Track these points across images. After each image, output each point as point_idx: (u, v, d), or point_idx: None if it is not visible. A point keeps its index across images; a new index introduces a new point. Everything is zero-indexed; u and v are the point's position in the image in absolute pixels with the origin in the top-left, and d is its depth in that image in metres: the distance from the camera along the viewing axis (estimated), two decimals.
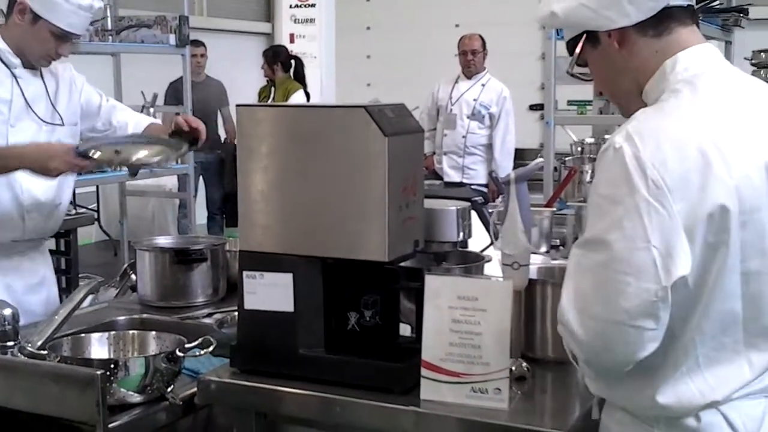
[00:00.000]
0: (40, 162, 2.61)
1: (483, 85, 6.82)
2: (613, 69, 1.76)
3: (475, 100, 6.72)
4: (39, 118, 2.83)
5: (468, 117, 6.71)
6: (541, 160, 4.30)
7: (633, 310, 1.50)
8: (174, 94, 7.25)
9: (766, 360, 1.62)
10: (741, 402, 1.60)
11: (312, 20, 10.44)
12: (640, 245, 1.50)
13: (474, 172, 6.74)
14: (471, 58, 6.80)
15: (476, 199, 2.48)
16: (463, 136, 6.74)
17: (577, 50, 1.77)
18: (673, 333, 1.55)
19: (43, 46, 2.76)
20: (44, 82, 2.87)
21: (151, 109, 6.05)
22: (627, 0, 1.67)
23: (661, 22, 1.69)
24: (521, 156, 7.28)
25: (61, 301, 2.98)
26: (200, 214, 7.60)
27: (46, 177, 2.67)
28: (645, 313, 1.51)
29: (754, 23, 5.77)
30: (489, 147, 6.77)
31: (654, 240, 1.50)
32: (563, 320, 1.60)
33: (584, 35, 1.75)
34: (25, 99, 2.80)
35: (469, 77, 6.87)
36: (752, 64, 6.11)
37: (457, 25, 9.18)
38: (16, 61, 2.78)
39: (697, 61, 1.68)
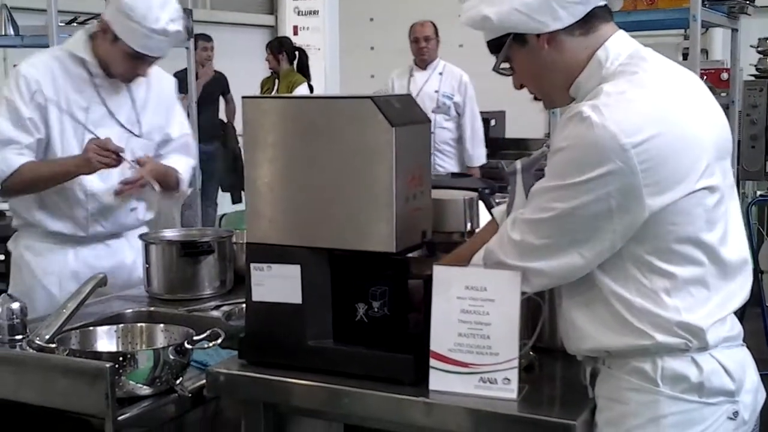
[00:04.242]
0: (79, 159, 2.81)
1: (440, 73, 6.53)
2: (542, 67, 1.85)
3: (436, 91, 6.44)
4: (121, 124, 2.97)
5: (433, 111, 6.35)
6: (546, 148, 4.28)
7: (586, 247, 1.72)
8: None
9: (727, 291, 1.79)
10: (727, 350, 1.78)
11: (315, 12, 10.42)
12: (602, 197, 1.67)
13: (443, 171, 6.54)
14: (424, 46, 6.48)
15: (484, 188, 2.47)
16: (432, 133, 6.48)
17: (504, 50, 1.85)
18: (651, 264, 1.72)
19: (121, 65, 2.87)
20: (130, 92, 3.00)
21: None
22: (559, 5, 1.78)
23: (587, 22, 1.81)
24: (527, 146, 7.25)
25: None
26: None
27: (89, 170, 2.83)
28: (597, 252, 1.72)
29: (761, 11, 5.74)
30: (457, 140, 6.52)
31: (614, 197, 1.67)
32: (508, 236, 1.79)
33: (511, 36, 1.83)
34: (107, 106, 2.95)
35: (423, 67, 6.55)
36: (758, 52, 6.09)
37: (459, 16, 9.13)
38: (98, 71, 2.91)
39: (623, 47, 1.82)
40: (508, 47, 1.85)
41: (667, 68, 1.83)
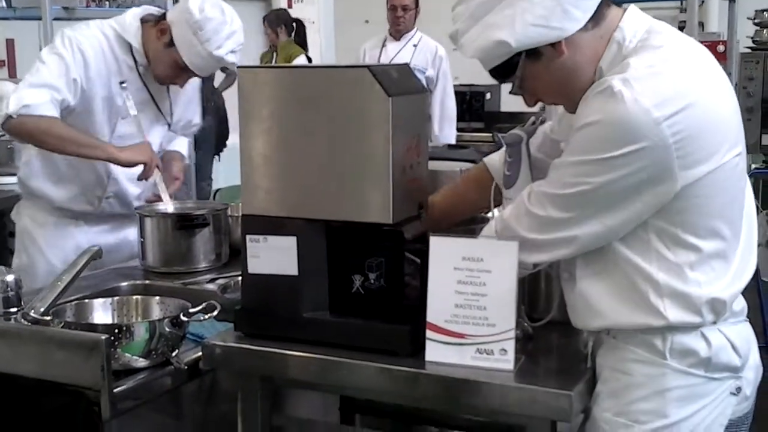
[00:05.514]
0: (132, 147, 2.84)
1: (414, 45, 6.20)
2: (566, 73, 1.78)
3: (407, 64, 6.06)
4: (159, 111, 3.00)
5: None
6: (542, 115, 4.23)
7: (612, 217, 1.70)
8: None
9: (742, 263, 1.79)
10: (734, 326, 1.79)
11: None
12: (633, 172, 1.65)
13: None
14: (401, 15, 6.15)
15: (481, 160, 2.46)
16: None
17: (519, 71, 1.77)
18: (677, 237, 1.71)
19: (165, 69, 2.87)
20: (167, 85, 3.01)
21: None
22: (571, 4, 1.71)
23: (596, 13, 1.75)
24: (522, 120, 7.16)
25: None
26: None
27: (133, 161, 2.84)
28: (622, 222, 1.70)
29: None
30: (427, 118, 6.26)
31: (646, 171, 1.64)
32: (527, 209, 1.78)
33: (523, 54, 1.74)
34: (149, 92, 2.95)
35: (397, 38, 6.22)
36: (755, 24, 6.07)
37: (455, 48, 9.01)
38: (144, 60, 2.90)
39: (639, 23, 1.78)
40: (523, 67, 1.76)
41: (684, 41, 1.80)
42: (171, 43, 2.80)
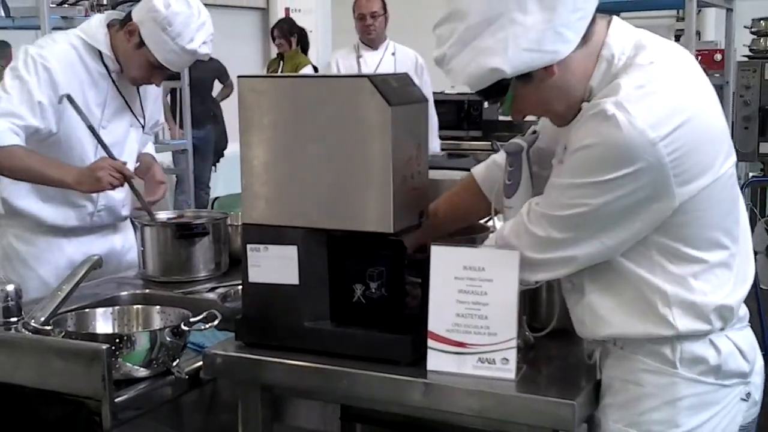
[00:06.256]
0: (84, 175, 2.70)
1: (393, 54, 5.98)
2: (556, 93, 1.76)
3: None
4: (134, 116, 2.96)
5: None
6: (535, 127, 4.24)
7: (610, 236, 1.70)
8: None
9: (744, 268, 1.81)
10: (739, 332, 1.79)
11: None
12: (631, 192, 1.65)
13: None
14: (371, 23, 5.94)
15: None
16: None
17: (509, 93, 1.73)
18: (677, 251, 1.72)
19: (139, 71, 2.82)
20: (137, 87, 2.97)
21: None
22: (564, 27, 1.68)
23: (585, 31, 1.72)
24: (519, 128, 7.19)
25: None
26: None
27: (89, 188, 2.75)
28: (621, 240, 1.71)
29: None
30: None
31: (643, 191, 1.64)
32: (527, 229, 1.77)
33: (514, 77, 1.71)
34: (123, 97, 2.92)
35: (373, 47, 6.00)
36: (752, 32, 6.09)
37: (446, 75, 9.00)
38: (116, 66, 2.85)
39: (625, 38, 1.75)
40: (513, 88, 1.73)
41: (670, 52, 1.78)
42: (141, 44, 2.74)
